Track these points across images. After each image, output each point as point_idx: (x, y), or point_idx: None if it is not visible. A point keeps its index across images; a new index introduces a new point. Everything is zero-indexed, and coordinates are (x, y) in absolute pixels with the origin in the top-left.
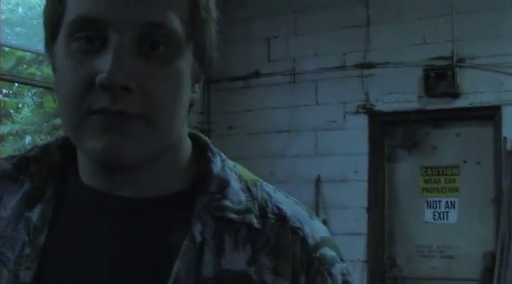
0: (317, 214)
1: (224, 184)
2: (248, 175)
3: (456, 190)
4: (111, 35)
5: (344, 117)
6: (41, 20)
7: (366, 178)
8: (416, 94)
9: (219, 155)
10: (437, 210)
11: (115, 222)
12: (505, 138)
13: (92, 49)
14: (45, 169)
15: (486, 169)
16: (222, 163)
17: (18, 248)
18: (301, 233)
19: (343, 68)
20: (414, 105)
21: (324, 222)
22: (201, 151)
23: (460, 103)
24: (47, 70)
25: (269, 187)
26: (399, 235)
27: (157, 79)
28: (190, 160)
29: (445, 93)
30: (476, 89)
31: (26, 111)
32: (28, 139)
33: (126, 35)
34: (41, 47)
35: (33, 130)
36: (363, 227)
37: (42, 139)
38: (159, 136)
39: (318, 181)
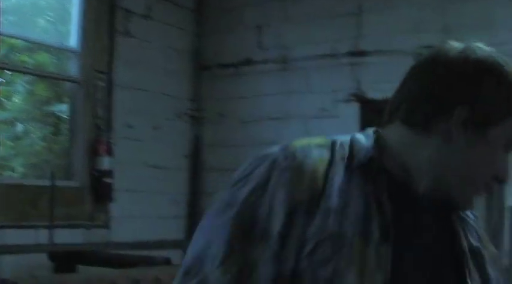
0: None
1: None
2: None
3: None
4: None
5: (335, 105)
6: (34, 8)
7: None
8: None
9: None
10: None
11: (419, 213)
12: None
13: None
14: (375, 168)
15: None
16: None
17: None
18: None
19: (334, 55)
20: None
21: None
22: None
23: None
24: (40, 57)
25: None
26: None
27: None
28: None
29: None
30: None
31: (17, 99)
32: (20, 127)
33: None
34: (34, 35)
35: (24, 117)
36: None
37: (34, 127)
38: None
39: None
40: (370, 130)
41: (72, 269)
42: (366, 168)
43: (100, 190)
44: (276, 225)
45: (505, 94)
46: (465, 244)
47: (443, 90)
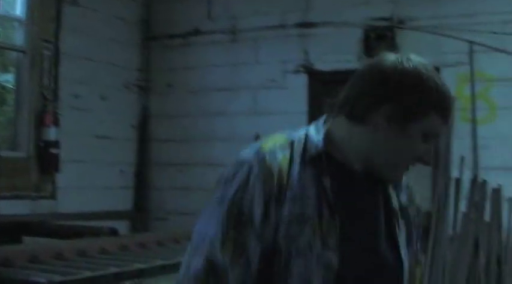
0: None
1: None
2: None
3: None
4: (434, 139)
5: (284, 76)
6: None
7: None
8: (356, 55)
9: None
10: None
11: (356, 184)
12: None
13: (429, 141)
14: (321, 155)
15: None
16: None
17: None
18: None
19: (283, 27)
20: (354, 64)
21: None
22: None
23: None
24: None
25: None
26: None
27: None
28: None
29: None
30: (415, 50)
31: None
32: None
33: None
34: None
35: None
36: None
37: None
38: None
39: (256, 139)
40: (321, 122)
41: (17, 240)
42: (316, 160)
43: (46, 160)
44: (257, 214)
45: (424, 98)
46: (396, 204)
47: (376, 91)
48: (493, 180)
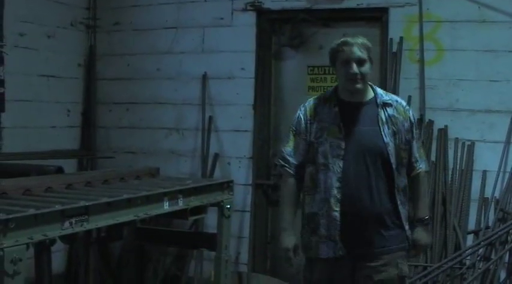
0: (203, 111)
1: (382, 95)
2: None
3: None
4: (351, 62)
5: (232, 14)
6: None
7: (252, 75)
8: None
9: (376, 87)
10: None
11: (356, 108)
12: (391, 39)
13: (346, 65)
14: (333, 98)
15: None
16: (378, 89)
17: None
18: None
19: None
20: (302, 3)
21: (210, 119)
22: (371, 86)
23: (348, 3)
24: None
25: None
26: (284, 132)
27: (365, 71)
28: (370, 89)
29: None
30: None
31: None
32: None
33: (355, 61)
34: None
35: None
36: (249, 124)
37: None
38: (365, 84)
39: (204, 78)
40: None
41: None
42: (329, 100)
43: None
44: (303, 130)
45: (332, 52)
46: (383, 115)
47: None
48: (439, 121)
